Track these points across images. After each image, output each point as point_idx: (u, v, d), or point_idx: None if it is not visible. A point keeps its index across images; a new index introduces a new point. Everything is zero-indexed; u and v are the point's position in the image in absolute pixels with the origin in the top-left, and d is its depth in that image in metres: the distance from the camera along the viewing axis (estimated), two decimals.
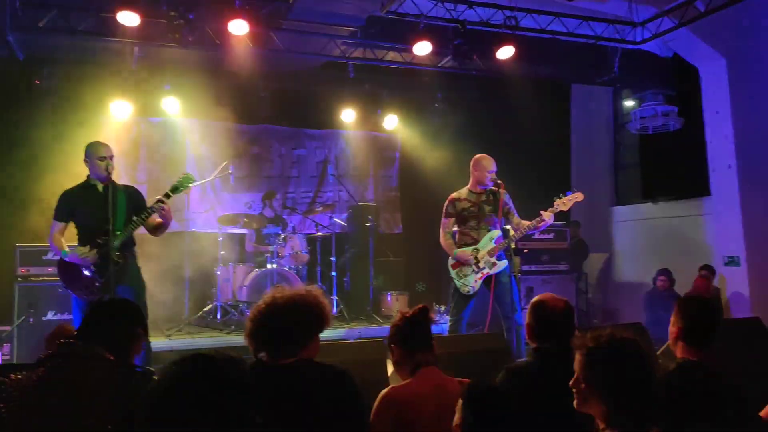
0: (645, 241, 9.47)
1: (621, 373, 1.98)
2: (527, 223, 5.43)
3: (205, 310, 7.57)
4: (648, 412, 1.96)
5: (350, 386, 2.46)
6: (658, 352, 4.56)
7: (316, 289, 2.60)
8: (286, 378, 2.33)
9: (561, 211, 5.52)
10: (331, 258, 8.16)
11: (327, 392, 2.36)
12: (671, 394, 2.42)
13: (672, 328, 2.84)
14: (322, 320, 2.51)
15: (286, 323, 2.40)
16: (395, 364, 2.86)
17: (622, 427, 1.94)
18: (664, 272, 7.91)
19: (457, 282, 5.54)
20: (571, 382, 2.10)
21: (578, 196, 5.46)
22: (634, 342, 2.03)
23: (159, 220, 4.86)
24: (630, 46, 7.97)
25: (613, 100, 10.29)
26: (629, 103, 9.60)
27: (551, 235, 8.10)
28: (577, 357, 2.08)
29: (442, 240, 5.67)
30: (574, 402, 2.09)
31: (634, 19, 7.76)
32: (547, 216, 5.33)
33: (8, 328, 6.29)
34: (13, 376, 2.20)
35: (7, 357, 6.24)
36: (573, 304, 7.89)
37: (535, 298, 3.05)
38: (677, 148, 8.85)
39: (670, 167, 9.21)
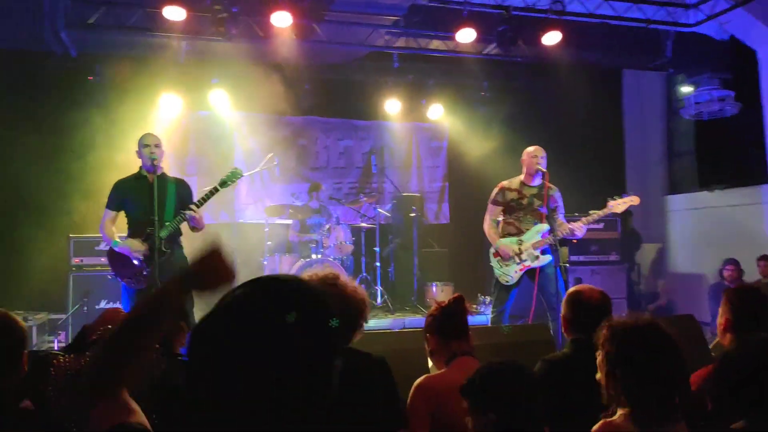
0: (700, 231, 9.16)
1: (634, 365, 1.93)
2: (565, 227, 5.34)
3: None
4: (670, 405, 1.89)
5: (387, 375, 2.45)
6: (711, 345, 4.42)
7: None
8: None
9: (614, 213, 5.40)
10: (376, 248, 8.16)
11: (364, 380, 2.36)
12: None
13: (720, 320, 2.74)
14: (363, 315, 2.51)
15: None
16: (430, 353, 2.84)
17: (643, 425, 1.89)
18: (732, 262, 7.56)
19: (497, 271, 5.49)
20: (597, 376, 2.07)
21: (634, 200, 5.34)
22: (652, 331, 1.98)
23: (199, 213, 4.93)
24: (683, 29, 7.69)
25: (666, 86, 9.95)
26: (683, 89, 9.26)
27: (601, 225, 7.89)
28: (598, 353, 2.07)
29: (485, 227, 5.62)
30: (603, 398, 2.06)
31: (687, 1, 7.49)
32: (577, 227, 5.25)
33: (63, 316, 6.52)
34: (61, 359, 2.26)
35: (63, 344, 6.46)
36: (624, 296, 7.74)
37: (570, 290, 3.00)
38: (734, 135, 8.51)
39: (726, 154, 8.87)
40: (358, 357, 2.45)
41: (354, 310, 2.47)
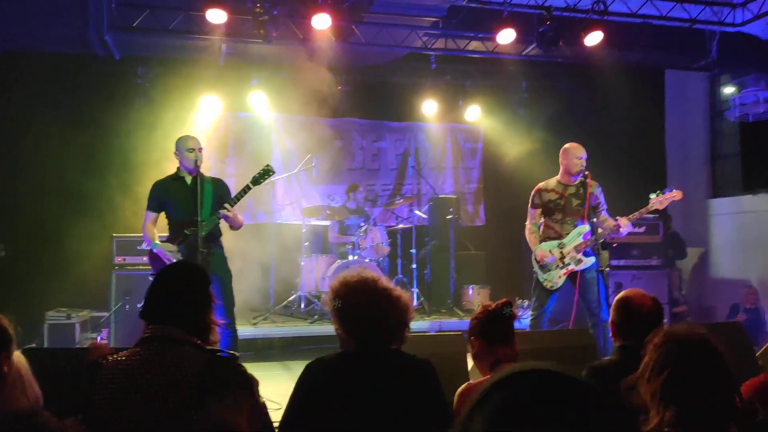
0: (744, 236, 8.93)
1: (681, 375, 1.88)
2: (610, 223, 5.23)
3: (289, 299, 7.73)
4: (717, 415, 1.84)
5: (433, 377, 2.44)
6: (758, 353, 4.31)
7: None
8: (372, 367, 2.34)
9: (657, 210, 5.28)
10: (412, 250, 8.14)
11: (411, 382, 2.35)
12: None
13: None
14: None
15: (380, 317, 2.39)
16: (474, 357, 2.81)
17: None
18: None
19: (540, 276, 5.39)
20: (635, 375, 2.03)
21: (677, 195, 5.19)
22: (702, 342, 1.92)
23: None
24: (729, 29, 7.52)
25: (710, 87, 9.73)
26: (728, 90, 9.05)
27: (642, 229, 7.75)
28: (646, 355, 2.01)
29: (526, 232, 5.54)
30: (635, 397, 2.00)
31: (734, 0, 7.31)
32: (624, 222, 5.13)
33: (106, 314, 6.65)
34: (110, 358, 2.29)
35: (105, 342, 6.59)
36: (666, 301, 7.59)
37: (620, 294, 2.92)
38: None
39: None
40: (404, 359, 2.44)
41: (399, 316, 2.45)
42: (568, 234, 5.33)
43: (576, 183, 5.37)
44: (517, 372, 0.96)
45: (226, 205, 4.83)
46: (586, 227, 5.30)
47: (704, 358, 1.89)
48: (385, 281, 2.50)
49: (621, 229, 5.18)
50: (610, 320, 2.87)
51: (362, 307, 2.38)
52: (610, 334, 2.91)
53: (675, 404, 1.87)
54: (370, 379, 2.29)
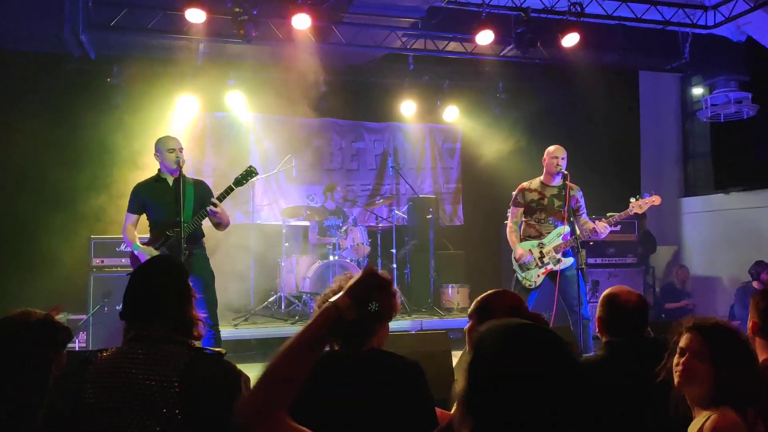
0: (716, 234, 9.13)
1: (736, 351, 2.04)
2: (589, 226, 5.34)
3: (269, 300, 7.70)
4: (751, 393, 1.99)
5: (422, 378, 2.43)
6: None
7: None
8: (357, 368, 2.33)
9: (636, 214, 5.41)
10: (392, 250, 8.17)
11: (399, 383, 2.34)
12: None
13: (749, 324, 2.73)
14: (390, 307, 2.45)
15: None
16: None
17: (725, 404, 1.97)
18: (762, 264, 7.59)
19: (519, 275, 5.48)
20: (676, 360, 2.13)
21: (656, 200, 5.36)
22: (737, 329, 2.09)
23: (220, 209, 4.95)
24: (701, 31, 7.68)
25: (682, 88, 9.92)
26: (699, 91, 9.24)
27: (618, 228, 7.88)
28: (689, 335, 2.12)
29: (508, 230, 5.62)
30: (676, 380, 2.12)
31: (705, 3, 7.49)
32: (600, 226, 5.25)
33: (84, 317, 6.55)
34: (100, 355, 2.28)
35: (83, 345, 6.50)
36: None
37: (606, 291, 2.95)
38: (751, 137, 8.48)
39: (743, 156, 8.84)
40: (392, 360, 2.43)
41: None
42: (548, 234, 5.42)
43: (558, 185, 5.48)
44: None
45: (214, 200, 4.81)
46: (566, 228, 5.40)
47: (743, 343, 2.10)
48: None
49: (599, 232, 5.29)
50: (596, 316, 2.91)
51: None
52: (596, 330, 2.96)
53: (721, 381, 2.03)
54: (352, 379, 2.28)
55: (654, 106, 10.13)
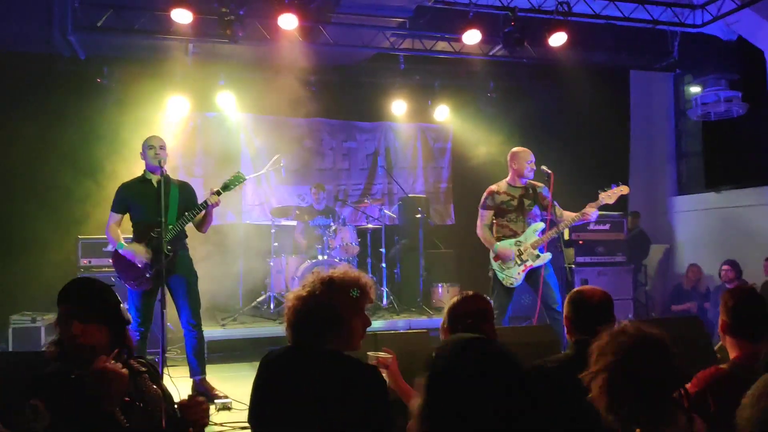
0: (708, 232, 9.14)
1: (624, 368, 1.88)
2: (571, 215, 5.39)
3: (258, 300, 7.71)
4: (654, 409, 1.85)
5: (380, 383, 2.34)
6: (716, 347, 4.42)
7: (351, 270, 2.49)
8: (305, 365, 2.28)
9: (607, 204, 5.44)
10: (382, 250, 8.18)
11: (349, 386, 2.27)
12: None
13: (719, 322, 2.73)
14: (346, 304, 2.33)
15: (308, 311, 2.30)
16: None
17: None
18: (729, 262, 7.65)
19: (499, 275, 5.50)
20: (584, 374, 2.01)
21: (623, 189, 5.41)
22: (651, 338, 1.93)
23: (201, 215, 4.97)
24: (690, 30, 7.69)
25: (673, 86, 9.93)
26: (690, 89, 9.24)
27: (607, 226, 7.89)
28: (593, 351, 2.00)
29: (479, 231, 5.66)
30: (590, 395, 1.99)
31: (694, 2, 7.48)
32: (590, 211, 5.27)
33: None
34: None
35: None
36: (630, 296, 7.74)
37: (572, 291, 2.98)
38: (741, 135, 8.49)
39: (734, 155, 8.84)
40: (345, 362, 2.36)
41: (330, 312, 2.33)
42: (523, 232, 5.46)
43: (525, 184, 5.56)
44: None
45: (213, 196, 4.85)
46: (540, 224, 5.49)
47: (647, 354, 1.90)
48: (340, 274, 2.39)
49: (590, 216, 5.31)
50: (564, 316, 2.93)
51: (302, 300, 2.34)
52: (565, 332, 2.97)
53: (621, 399, 1.88)
54: (302, 376, 2.23)
55: (645, 105, 10.14)
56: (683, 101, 9.84)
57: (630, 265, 8.10)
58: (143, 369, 2.40)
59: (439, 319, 7.63)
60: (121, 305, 2.35)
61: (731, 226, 8.67)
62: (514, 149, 5.64)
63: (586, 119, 8.80)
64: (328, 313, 2.31)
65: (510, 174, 5.63)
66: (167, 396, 2.51)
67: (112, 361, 2.16)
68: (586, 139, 8.99)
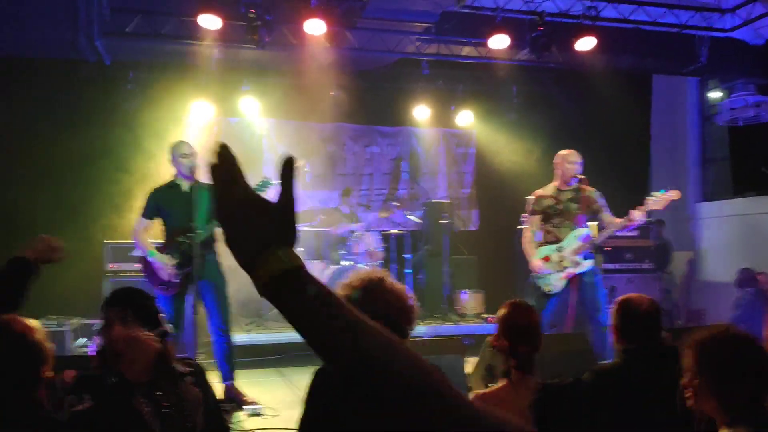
0: (734, 239, 9.01)
1: (737, 365, 1.88)
2: (618, 221, 5.24)
3: None
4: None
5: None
6: None
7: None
8: None
9: (654, 210, 5.30)
10: (406, 255, 8.13)
11: None
12: None
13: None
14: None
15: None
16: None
17: (740, 422, 1.83)
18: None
19: (540, 281, 5.40)
20: (684, 380, 1.99)
21: (674, 194, 5.20)
22: (749, 336, 1.94)
23: None
24: (718, 34, 7.59)
25: (699, 92, 9.82)
26: (717, 95, 9.14)
27: (635, 233, 7.80)
28: (689, 353, 1.97)
29: (524, 240, 5.53)
30: (689, 400, 1.98)
31: (723, 6, 7.39)
32: (637, 215, 5.12)
33: (98, 321, 6.56)
34: None
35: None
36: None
37: (619, 298, 2.92)
38: None
39: (762, 161, 8.71)
40: None
41: (398, 314, 2.39)
42: (566, 238, 5.35)
43: (572, 188, 5.40)
44: None
45: None
46: (583, 230, 5.33)
47: (752, 353, 1.92)
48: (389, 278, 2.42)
49: (634, 219, 5.13)
50: (611, 324, 2.87)
51: (362, 304, 2.33)
52: (612, 338, 2.92)
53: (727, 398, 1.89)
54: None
55: (671, 109, 10.03)
56: (708, 106, 9.73)
57: (657, 272, 8.00)
58: (187, 370, 2.40)
59: (463, 326, 7.60)
60: (162, 315, 2.37)
61: (758, 233, 8.54)
62: (561, 151, 5.51)
63: (608, 124, 8.74)
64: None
65: (557, 176, 5.51)
66: (210, 397, 2.50)
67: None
68: (607, 144, 8.91)
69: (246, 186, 0.86)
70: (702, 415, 1.96)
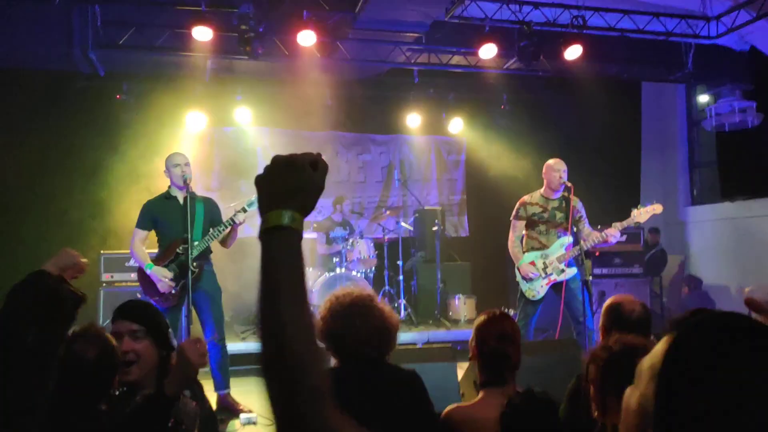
0: (723, 242, 9.12)
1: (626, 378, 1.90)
2: (596, 235, 5.37)
3: None
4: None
5: (421, 387, 2.47)
6: None
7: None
8: (363, 381, 2.38)
9: (637, 222, 5.42)
10: (399, 262, 8.21)
11: (400, 393, 2.39)
12: None
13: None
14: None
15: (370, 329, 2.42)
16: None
17: None
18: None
19: (523, 287, 5.50)
20: (591, 393, 2.00)
21: (657, 208, 5.35)
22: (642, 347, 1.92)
23: (229, 230, 5.03)
24: (704, 41, 7.71)
25: (686, 97, 9.95)
26: (704, 100, 9.27)
27: (624, 238, 7.87)
28: (592, 368, 1.99)
29: (509, 245, 5.64)
30: (594, 412, 1.98)
31: (708, 13, 7.51)
32: (612, 232, 5.26)
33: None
34: None
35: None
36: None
37: (609, 300, 2.95)
38: (756, 145, 8.48)
39: (749, 164, 8.84)
40: (390, 370, 2.49)
41: (391, 333, 2.50)
42: (551, 245, 5.45)
43: (559, 197, 5.51)
44: None
45: (239, 214, 4.91)
46: (568, 239, 5.45)
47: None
48: (371, 297, 2.51)
49: (609, 239, 5.32)
50: (599, 325, 2.92)
51: (350, 321, 2.40)
52: (599, 339, 2.98)
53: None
54: (361, 393, 2.33)
55: (659, 116, 10.16)
56: (696, 112, 9.86)
57: (647, 277, 8.10)
58: None
59: (456, 332, 7.67)
60: (170, 330, 2.42)
61: (746, 236, 8.65)
62: (549, 161, 5.60)
63: (599, 131, 8.85)
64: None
65: (544, 185, 5.61)
66: (206, 410, 2.57)
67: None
68: (598, 151, 9.03)
69: (305, 169, 1.08)
70: (608, 425, 1.95)
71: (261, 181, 1.10)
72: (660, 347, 0.91)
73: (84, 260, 2.71)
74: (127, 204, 6.87)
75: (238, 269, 7.00)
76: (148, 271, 4.88)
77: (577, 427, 2.43)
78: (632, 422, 0.95)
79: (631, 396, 0.98)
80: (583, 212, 5.55)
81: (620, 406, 1.84)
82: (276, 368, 0.97)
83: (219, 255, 5.43)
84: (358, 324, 2.38)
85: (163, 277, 4.84)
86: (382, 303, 2.56)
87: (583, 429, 2.12)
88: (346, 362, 2.43)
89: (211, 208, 5.14)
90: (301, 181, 1.07)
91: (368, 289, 2.63)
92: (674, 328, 0.88)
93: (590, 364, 1.99)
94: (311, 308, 1.01)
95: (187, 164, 5.03)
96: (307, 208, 1.08)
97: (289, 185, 1.07)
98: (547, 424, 2.05)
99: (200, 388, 2.58)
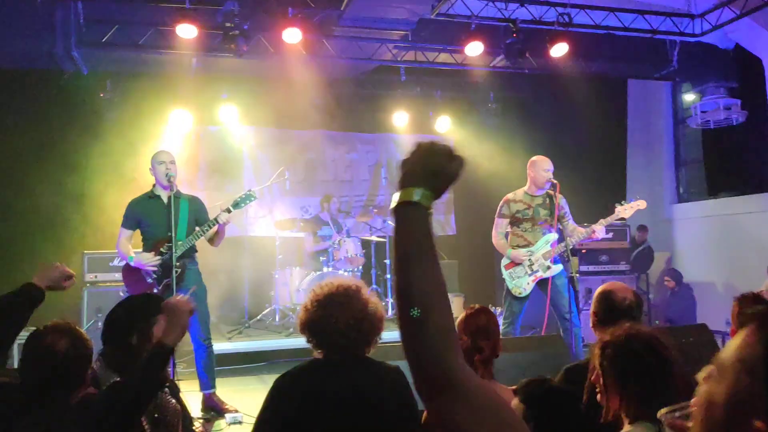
0: (709, 239, 9.18)
1: (633, 365, 1.93)
2: (581, 230, 5.37)
3: (264, 313, 7.71)
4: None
5: (404, 383, 2.45)
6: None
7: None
8: (344, 374, 2.36)
9: (621, 218, 5.44)
10: (386, 260, 8.20)
11: (382, 388, 2.37)
12: None
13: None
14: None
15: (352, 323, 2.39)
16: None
17: (641, 418, 1.90)
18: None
19: (509, 283, 5.49)
20: (592, 378, 2.07)
21: (641, 204, 5.37)
22: (650, 337, 1.99)
23: (215, 229, 4.99)
24: (689, 39, 7.74)
25: (672, 95, 10.00)
26: (689, 98, 9.31)
27: (610, 235, 7.91)
28: (597, 353, 2.05)
29: (494, 240, 5.64)
30: (598, 395, 2.05)
31: (693, 11, 7.55)
32: (598, 228, 5.27)
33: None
34: None
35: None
36: None
37: (601, 287, 2.96)
38: (741, 142, 8.54)
39: (734, 162, 8.90)
40: (375, 366, 2.46)
41: (373, 324, 2.48)
42: (536, 242, 5.45)
43: (542, 194, 5.51)
44: None
45: (224, 214, 4.85)
46: (554, 235, 5.45)
47: (650, 354, 1.95)
48: (358, 287, 2.49)
49: (596, 235, 5.32)
50: (591, 311, 2.92)
51: (333, 314, 2.38)
52: (590, 325, 2.97)
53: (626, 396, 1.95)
54: (344, 388, 2.31)
55: (645, 113, 10.21)
56: (681, 109, 9.91)
57: (633, 274, 8.13)
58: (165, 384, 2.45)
59: None
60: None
61: (732, 233, 8.70)
62: (533, 158, 5.59)
63: (585, 128, 8.86)
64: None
65: (528, 182, 5.59)
66: (185, 410, 2.55)
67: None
68: (584, 148, 9.06)
69: (442, 156, 1.23)
70: (609, 409, 2.02)
71: (404, 162, 1.23)
72: (743, 340, 0.95)
73: (71, 272, 2.76)
74: (111, 203, 6.80)
75: (221, 268, 6.95)
76: (132, 263, 4.84)
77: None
78: (719, 417, 0.95)
79: (714, 392, 0.97)
80: (566, 209, 5.55)
81: (624, 393, 1.89)
82: (405, 314, 1.07)
83: (201, 254, 5.38)
84: (336, 313, 2.36)
85: (147, 261, 4.80)
86: (369, 295, 2.54)
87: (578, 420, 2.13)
88: (328, 354, 2.41)
89: (196, 207, 5.10)
90: (437, 165, 1.21)
91: (357, 281, 2.60)
92: (762, 320, 0.94)
93: (603, 350, 2.03)
94: (440, 270, 1.13)
95: (172, 162, 5.00)
96: (438, 190, 1.20)
97: (426, 167, 1.20)
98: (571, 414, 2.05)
99: (176, 389, 2.56)
